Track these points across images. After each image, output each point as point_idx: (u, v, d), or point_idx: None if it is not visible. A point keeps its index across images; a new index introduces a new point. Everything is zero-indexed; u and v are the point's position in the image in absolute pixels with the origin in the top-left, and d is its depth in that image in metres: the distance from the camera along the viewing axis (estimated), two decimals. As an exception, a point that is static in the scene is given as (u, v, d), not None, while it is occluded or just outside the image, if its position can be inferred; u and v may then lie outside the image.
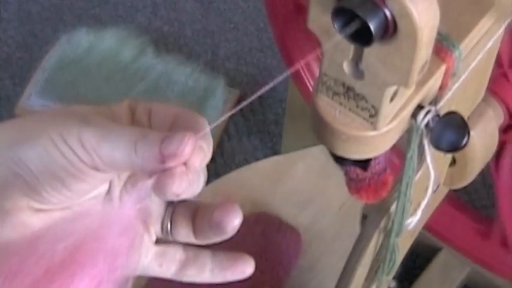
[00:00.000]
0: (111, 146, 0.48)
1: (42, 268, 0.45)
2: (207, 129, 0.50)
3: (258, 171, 1.15)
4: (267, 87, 0.48)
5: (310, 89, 1.19)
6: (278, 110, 1.53)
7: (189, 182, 0.48)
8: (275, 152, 1.49)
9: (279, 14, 1.15)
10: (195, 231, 0.54)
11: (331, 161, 1.11)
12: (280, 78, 0.48)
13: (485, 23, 0.56)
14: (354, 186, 0.62)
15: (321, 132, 0.53)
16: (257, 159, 1.49)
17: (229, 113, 0.53)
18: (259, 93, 0.49)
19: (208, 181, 1.61)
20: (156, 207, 0.54)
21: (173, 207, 0.55)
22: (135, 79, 1.54)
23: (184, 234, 0.54)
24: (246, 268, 0.55)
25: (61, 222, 0.47)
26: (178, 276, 0.55)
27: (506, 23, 0.59)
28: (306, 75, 1.19)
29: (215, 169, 1.47)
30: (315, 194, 1.13)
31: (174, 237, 0.54)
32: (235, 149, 1.51)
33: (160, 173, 0.47)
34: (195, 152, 0.48)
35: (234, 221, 0.52)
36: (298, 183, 1.14)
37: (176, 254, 0.55)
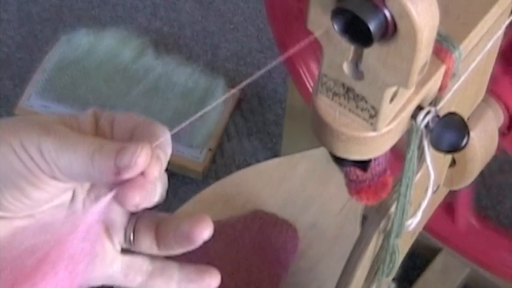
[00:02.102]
0: (69, 156, 0.48)
1: (7, 278, 0.45)
2: (164, 137, 0.49)
3: (259, 173, 1.15)
4: (251, 78, 0.48)
5: (310, 90, 1.19)
6: (278, 111, 1.53)
7: (148, 192, 0.48)
8: (275, 153, 1.49)
9: (278, 14, 1.15)
10: (159, 242, 0.54)
11: (332, 164, 1.11)
12: (265, 69, 0.48)
13: (485, 24, 0.56)
14: (354, 187, 0.62)
15: (321, 133, 0.53)
16: (257, 160, 1.49)
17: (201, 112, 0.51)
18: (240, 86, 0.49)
19: (208, 182, 1.61)
20: (119, 217, 0.54)
21: (136, 217, 0.54)
22: (135, 80, 1.54)
23: (147, 245, 0.54)
24: (212, 281, 0.55)
25: (26, 231, 0.47)
26: (145, 287, 0.55)
27: (506, 24, 0.59)
28: (305, 76, 1.19)
29: (215, 170, 1.47)
30: (316, 195, 1.13)
31: (137, 248, 0.54)
32: (235, 150, 1.51)
33: (121, 185, 0.47)
34: (153, 161, 0.48)
35: (204, 232, 0.52)
36: (299, 185, 1.14)
37: (143, 265, 0.55)
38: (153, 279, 0.55)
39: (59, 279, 0.46)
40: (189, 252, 0.54)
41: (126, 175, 0.47)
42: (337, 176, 1.11)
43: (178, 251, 0.53)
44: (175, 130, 0.50)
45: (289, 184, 1.14)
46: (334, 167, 1.11)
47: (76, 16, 1.69)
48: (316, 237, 1.11)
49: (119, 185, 0.48)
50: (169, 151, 0.50)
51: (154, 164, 0.48)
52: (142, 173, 0.48)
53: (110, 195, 0.49)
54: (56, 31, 1.64)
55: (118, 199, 0.48)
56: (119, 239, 0.54)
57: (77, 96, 1.51)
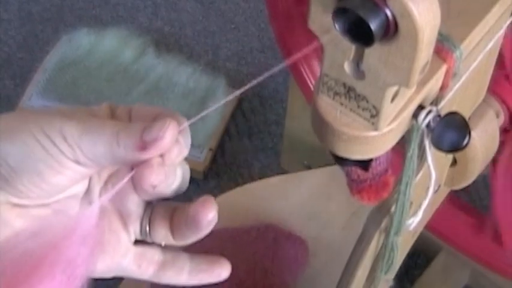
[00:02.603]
0: (93, 138, 0.48)
1: (2, 282, 0.45)
2: (186, 124, 0.51)
3: (262, 188, 1.16)
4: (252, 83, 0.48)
5: (312, 88, 1.19)
6: (279, 111, 1.53)
7: (165, 173, 0.49)
8: (276, 153, 1.49)
9: (279, 14, 1.15)
10: (173, 232, 0.54)
11: (334, 182, 1.12)
12: (269, 73, 0.49)
13: (486, 23, 0.56)
14: (355, 187, 0.62)
15: (322, 132, 0.53)
16: (258, 159, 1.49)
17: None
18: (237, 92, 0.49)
19: (209, 181, 1.61)
20: (135, 207, 0.54)
21: (151, 208, 0.55)
22: (136, 79, 1.54)
23: (163, 235, 0.54)
24: (222, 271, 0.55)
25: (22, 235, 0.47)
26: (157, 278, 0.55)
27: (507, 23, 0.59)
28: (307, 74, 1.19)
29: (216, 169, 1.47)
30: (320, 210, 1.14)
31: (153, 238, 0.55)
32: (236, 149, 1.51)
33: (138, 166, 0.48)
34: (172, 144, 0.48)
35: (209, 214, 0.52)
36: (303, 200, 1.16)
37: (155, 256, 0.55)
38: (165, 270, 0.55)
39: (56, 283, 0.46)
40: (204, 252, 0.55)
41: (152, 150, 0.47)
42: (339, 193, 1.12)
43: (192, 239, 0.54)
44: (180, 129, 0.51)
45: (293, 200, 1.16)
46: (336, 186, 1.13)
47: (77, 16, 1.69)
48: (321, 248, 1.12)
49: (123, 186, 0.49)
50: (188, 141, 0.51)
51: (173, 146, 0.49)
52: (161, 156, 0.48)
53: (104, 198, 0.49)
54: (57, 31, 1.64)
55: (135, 178, 0.48)
56: (134, 230, 0.55)
57: (78, 96, 1.51)
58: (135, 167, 0.49)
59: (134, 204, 0.54)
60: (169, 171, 0.50)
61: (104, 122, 0.49)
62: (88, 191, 0.54)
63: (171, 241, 0.54)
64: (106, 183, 0.54)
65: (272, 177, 1.18)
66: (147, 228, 0.54)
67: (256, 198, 1.15)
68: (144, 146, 0.48)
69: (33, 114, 0.50)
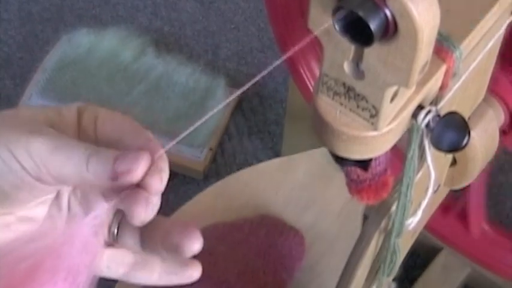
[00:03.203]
0: (61, 158, 0.47)
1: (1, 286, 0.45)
2: (162, 151, 0.49)
3: (259, 174, 1.15)
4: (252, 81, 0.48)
5: (311, 89, 1.19)
6: (279, 110, 1.53)
7: (154, 205, 0.48)
8: (276, 152, 1.49)
9: (279, 13, 1.15)
10: (143, 243, 0.53)
11: (332, 164, 1.11)
12: (268, 70, 0.48)
13: (485, 24, 0.56)
14: (355, 187, 0.62)
15: (321, 132, 0.53)
16: (258, 159, 1.49)
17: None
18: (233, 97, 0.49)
19: (209, 181, 1.61)
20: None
21: (122, 214, 0.54)
22: (136, 79, 1.54)
23: (130, 243, 0.53)
24: (193, 272, 0.54)
25: (22, 241, 0.47)
26: (126, 278, 0.55)
27: (507, 23, 0.59)
28: (306, 75, 1.19)
29: (216, 169, 1.47)
30: (317, 195, 1.13)
31: (120, 244, 0.54)
32: (236, 149, 1.51)
33: (128, 200, 0.47)
34: (156, 174, 0.47)
35: (194, 246, 0.51)
36: (299, 185, 1.14)
37: (125, 258, 0.54)
38: (135, 271, 0.54)
39: None
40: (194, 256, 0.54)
41: (123, 181, 0.46)
42: (337, 176, 1.11)
43: (164, 255, 0.53)
44: (181, 137, 0.50)
45: (290, 184, 1.14)
46: (334, 168, 1.12)
47: (77, 16, 1.69)
48: (317, 237, 1.11)
49: (112, 191, 0.48)
50: (166, 166, 0.49)
51: (158, 177, 0.47)
52: (145, 187, 0.47)
53: (105, 208, 0.48)
54: (57, 31, 1.64)
55: (128, 217, 0.47)
56: (103, 233, 0.54)
57: (78, 96, 1.51)
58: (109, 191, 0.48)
59: (102, 209, 0.54)
60: (156, 200, 0.48)
61: (76, 143, 0.48)
62: (57, 197, 0.53)
63: (138, 250, 0.53)
64: (74, 189, 0.53)
65: (267, 161, 1.17)
66: (115, 234, 0.53)
67: (251, 186, 1.13)
68: (115, 176, 0.46)
69: (2, 128, 0.49)
